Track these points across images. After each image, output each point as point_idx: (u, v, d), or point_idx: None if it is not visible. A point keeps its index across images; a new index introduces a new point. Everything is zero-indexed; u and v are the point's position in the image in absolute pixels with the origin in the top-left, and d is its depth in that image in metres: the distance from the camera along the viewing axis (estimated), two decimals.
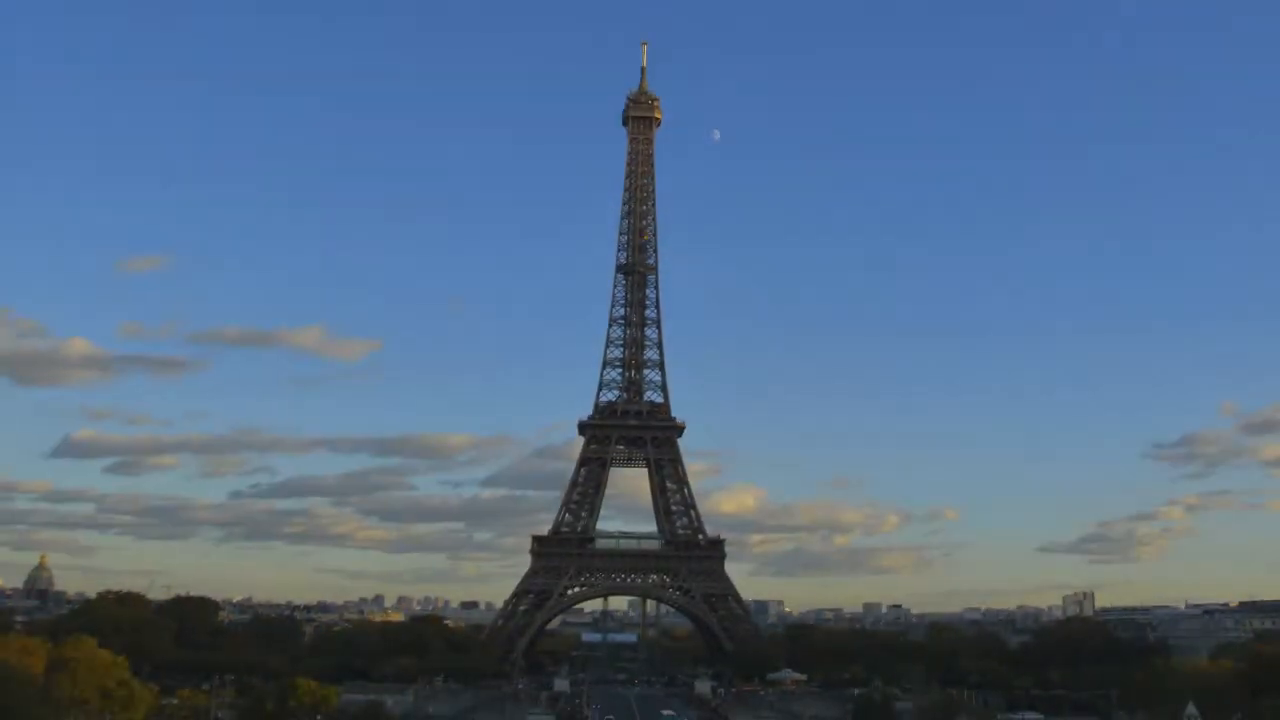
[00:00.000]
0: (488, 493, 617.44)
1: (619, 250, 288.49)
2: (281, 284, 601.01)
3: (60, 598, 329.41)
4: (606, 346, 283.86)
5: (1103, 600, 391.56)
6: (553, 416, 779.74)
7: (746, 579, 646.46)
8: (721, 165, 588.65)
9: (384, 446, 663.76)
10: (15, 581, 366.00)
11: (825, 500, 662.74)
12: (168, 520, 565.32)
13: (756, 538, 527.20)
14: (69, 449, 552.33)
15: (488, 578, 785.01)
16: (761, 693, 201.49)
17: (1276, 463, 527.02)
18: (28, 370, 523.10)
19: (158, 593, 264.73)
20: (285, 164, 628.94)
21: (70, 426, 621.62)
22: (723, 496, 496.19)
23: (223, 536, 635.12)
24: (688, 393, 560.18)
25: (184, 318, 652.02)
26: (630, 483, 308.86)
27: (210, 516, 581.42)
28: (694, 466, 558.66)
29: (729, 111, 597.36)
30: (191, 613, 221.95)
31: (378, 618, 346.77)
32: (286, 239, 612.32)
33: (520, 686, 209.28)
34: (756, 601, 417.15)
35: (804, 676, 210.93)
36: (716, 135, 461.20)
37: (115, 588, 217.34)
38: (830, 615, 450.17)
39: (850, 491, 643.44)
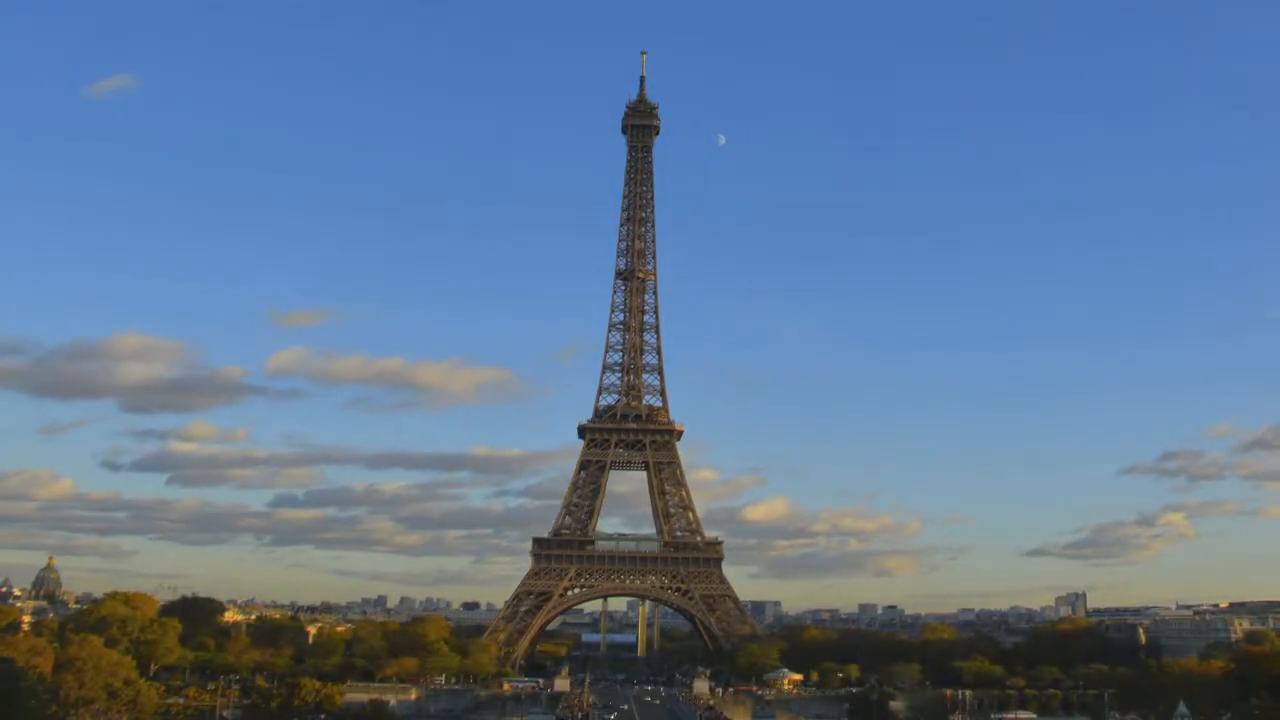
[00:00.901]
0: (534, 502, 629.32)
1: (618, 256, 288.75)
2: (433, 324, 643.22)
3: (69, 599, 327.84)
4: (606, 351, 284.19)
5: (1094, 601, 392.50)
6: None
7: (748, 581, 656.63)
8: (725, 170, 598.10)
9: (450, 462, 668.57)
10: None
11: (840, 508, 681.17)
12: (213, 526, 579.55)
13: (782, 543, 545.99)
14: (152, 463, 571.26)
15: (510, 579, 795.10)
16: (759, 691, 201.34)
17: (1257, 476, 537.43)
18: (166, 396, 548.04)
19: (164, 594, 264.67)
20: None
21: (169, 443, 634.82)
22: (753, 506, 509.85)
23: (259, 542, 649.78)
24: (730, 410, 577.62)
25: (337, 358, 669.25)
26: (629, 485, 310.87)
27: (252, 524, 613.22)
28: (742, 480, 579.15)
29: (729, 118, 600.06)
30: (196, 613, 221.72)
31: (379, 618, 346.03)
32: (429, 285, 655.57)
33: (521, 686, 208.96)
34: (754, 602, 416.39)
35: (800, 676, 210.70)
36: (722, 140, 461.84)
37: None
38: (827, 616, 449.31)
39: (870, 501, 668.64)
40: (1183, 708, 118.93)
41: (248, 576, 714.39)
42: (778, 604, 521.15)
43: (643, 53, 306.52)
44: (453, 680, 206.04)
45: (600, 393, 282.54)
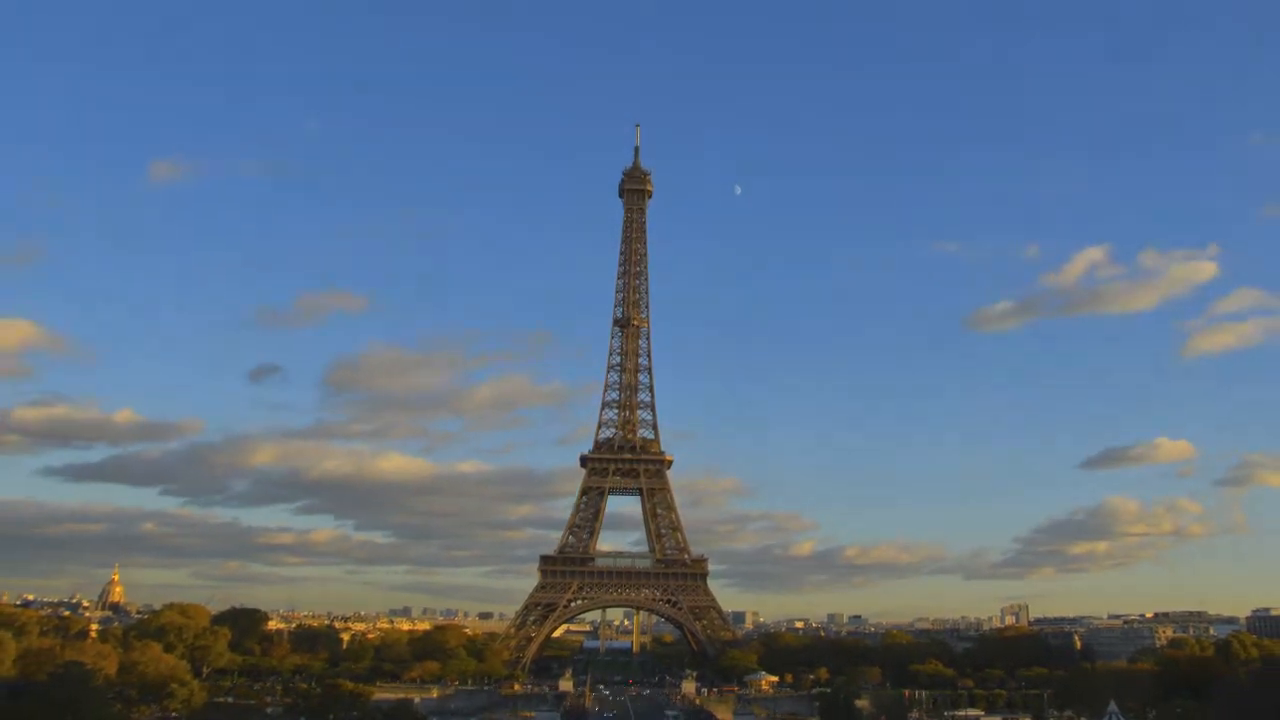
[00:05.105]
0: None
1: (615, 306, 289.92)
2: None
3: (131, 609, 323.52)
4: (605, 390, 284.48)
5: (1036, 612, 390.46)
6: None
7: (737, 594, 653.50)
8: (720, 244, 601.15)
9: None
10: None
11: (814, 531, 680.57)
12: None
13: (767, 564, 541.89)
14: None
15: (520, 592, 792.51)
16: (739, 691, 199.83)
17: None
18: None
19: (216, 604, 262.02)
20: None
21: None
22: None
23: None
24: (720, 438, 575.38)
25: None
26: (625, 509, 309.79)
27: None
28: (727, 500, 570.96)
29: (718, 180, 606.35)
30: (244, 622, 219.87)
31: (405, 625, 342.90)
32: None
33: (529, 687, 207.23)
34: (734, 612, 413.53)
35: (776, 677, 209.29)
36: (738, 190, 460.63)
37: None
38: (800, 625, 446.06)
39: (839, 528, 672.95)
40: (1113, 705, 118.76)
41: (285, 589, 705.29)
42: (756, 614, 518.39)
43: (637, 125, 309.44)
44: (470, 682, 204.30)
45: (600, 427, 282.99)
